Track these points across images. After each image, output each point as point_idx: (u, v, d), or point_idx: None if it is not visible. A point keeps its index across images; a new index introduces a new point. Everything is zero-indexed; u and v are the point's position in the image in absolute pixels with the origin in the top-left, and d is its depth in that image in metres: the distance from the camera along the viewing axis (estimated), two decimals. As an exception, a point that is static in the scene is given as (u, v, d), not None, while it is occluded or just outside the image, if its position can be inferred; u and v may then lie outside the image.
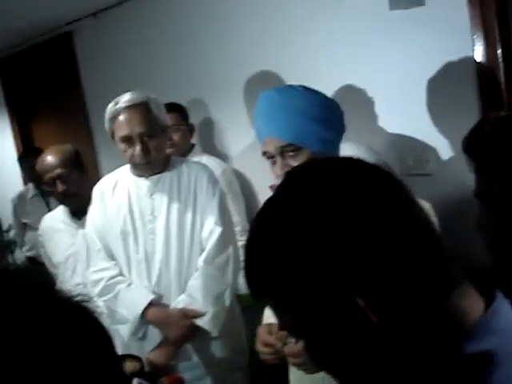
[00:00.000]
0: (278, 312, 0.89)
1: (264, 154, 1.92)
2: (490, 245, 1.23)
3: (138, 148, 2.44)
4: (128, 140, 2.45)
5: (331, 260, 0.79)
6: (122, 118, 2.44)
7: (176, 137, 3.36)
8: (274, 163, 1.91)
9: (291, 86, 1.98)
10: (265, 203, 0.90)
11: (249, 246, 0.88)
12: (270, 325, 1.93)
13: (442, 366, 0.80)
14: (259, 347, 1.89)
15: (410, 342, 0.81)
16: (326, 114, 1.90)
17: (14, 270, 0.90)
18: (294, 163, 1.84)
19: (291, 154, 1.86)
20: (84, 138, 4.61)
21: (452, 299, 0.82)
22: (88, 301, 0.80)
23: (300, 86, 1.96)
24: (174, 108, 3.39)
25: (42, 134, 5.29)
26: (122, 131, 2.45)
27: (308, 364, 1.78)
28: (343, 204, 0.80)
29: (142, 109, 2.47)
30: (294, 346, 1.80)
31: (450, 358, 0.80)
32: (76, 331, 0.74)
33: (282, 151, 1.86)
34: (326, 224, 0.79)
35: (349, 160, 0.89)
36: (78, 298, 0.80)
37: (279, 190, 0.89)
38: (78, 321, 0.77)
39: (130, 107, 2.45)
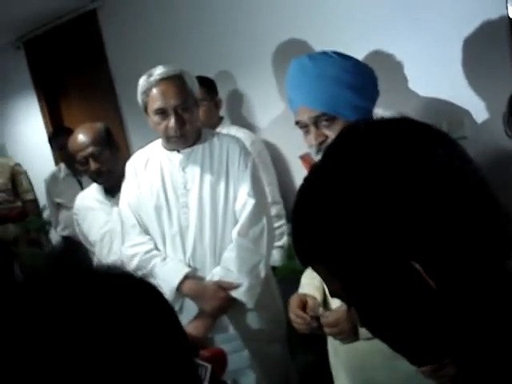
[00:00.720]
0: (329, 278, 0.87)
1: (297, 123, 1.89)
2: None
3: (172, 120, 2.44)
4: (162, 112, 2.44)
5: (386, 223, 0.76)
6: (156, 90, 2.44)
7: (200, 111, 3.27)
8: (307, 133, 1.87)
9: (324, 53, 1.92)
10: (312, 168, 0.87)
11: (298, 210, 0.86)
12: (301, 295, 1.93)
13: (504, 331, 0.78)
14: (291, 316, 1.90)
15: (470, 305, 0.79)
16: (361, 80, 1.85)
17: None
18: (329, 133, 1.81)
19: (325, 123, 1.82)
20: (113, 115, 4.62)
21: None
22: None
23: (333, 52, 1.91)
24: (199, 82, 3.36)
25: (70, 113, 5.32)
26: (156, 103, 2.44)
27: (344, 333, 1.78)
28: (397, 165, 0.77)
29: (176, 81, 2.46)
30: (329, 315, 1.80)
31: None
32: (146, 305, 0.79)
33: (316, 121, 1.82)
34: (380, 186, 0.76)
35: (400, 120, 0.86)
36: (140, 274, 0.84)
37: (328, 153, 0.86)
38: (148, 295, 0.81)
39: (165, 79, 2.44)
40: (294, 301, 1.92)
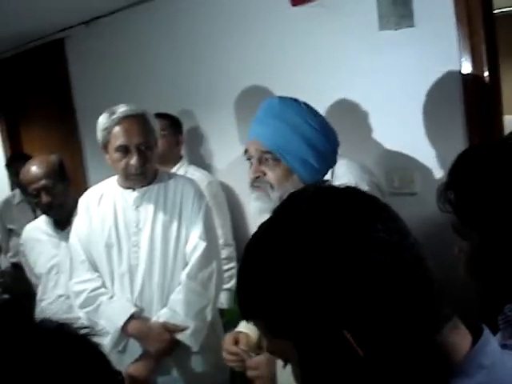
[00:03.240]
0: (266, 335, 0.90)
1: (245, 152, 1.95)
2: (467, 269, 1.24)
3: (135, 158, 2.45)
4: (125, 150, 2.45)
5: (321, 293, 0.79)
6: (120, 127, 2.45)
7: (161, 144, 2.93)
8: (251, 165, 1.93)
9: (296, 100, 1.97)
10: (260, 226, 0.90)
11: (243, 269, 0.89)
12: (237, 333, 1.94)
13: None
14: (224, 354, 1.90)
15: (397, 376, 0.82)
16: (320, 141, 1.89)
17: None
18: (268, 172, 1.86)
19: (269, 162, 1.86)
20: (73, 146, 4.61)
21: (441, 335, 0.83)
22: (93, 334, 0.87)
23: (304, 103, 1.96)
24: (164, 116, 3.40)
25: (30, 139, 5.27)
26: (119, 140, 2.45)
27: (262, 379, 1.77)
28: (336, 237, 0.80)
29: (140, 120, 2.49)
30: (253, 358, 1.80)
31: None
32: (81, 366, 0.81)
33: (261, 156, 1.87)
34: (318, 256, 0.80)
35: (347, 191, 0.89)
36: (84, 331, 0.86)
37: (275, 213, 0.89)
38: (83, 355, 0.82)
39: (129, 117, 2.47)
40: (227, 338, 1.94)
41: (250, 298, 0.88)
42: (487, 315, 1.36)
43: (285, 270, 0.81)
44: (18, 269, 4.35)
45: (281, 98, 1.96)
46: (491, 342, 0.85)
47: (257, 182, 1.88)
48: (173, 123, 3.51)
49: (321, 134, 1.90)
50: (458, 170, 1.19)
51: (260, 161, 1.87)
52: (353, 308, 0.79)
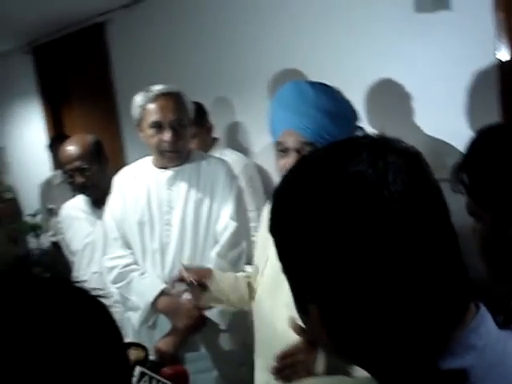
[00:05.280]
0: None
1: (278, 144, 1.89)
2: (481, 252, 1.23)
3: (168, 134, 2.48)
4: (158, 126, 2.49)
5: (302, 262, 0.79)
6: (154, 104, 2.50)
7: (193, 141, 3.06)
8: (284, 157, 1.88)
9: (324, 84, 1.93)
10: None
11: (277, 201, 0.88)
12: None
13: (417, 381, 0.78)
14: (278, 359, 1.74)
15: (385, 353, 0.79)
16: (348, 118, 1.90)
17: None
18: None
19: (308, 152, 1.84)
20: (112, 127, 4.69)
21: None
22: (103, 296, 0.89)
23: (331, 87, 1.93)
24: None
25: (72, 121, 5.38)
26: (153, 116, 2.49)
27: (305, 362, 1.68)
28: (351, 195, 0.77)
29: (174, 97, 2.53)
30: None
31: (426, 372, 0.78)
32: (87, 322, 0.83)
33: (301, 148, 1.84)
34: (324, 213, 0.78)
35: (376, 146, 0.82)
36: (94, 292, 0.89)
37: (287, 174, 0.88)
38: (90, 312, 0.85)
39: (165, 95, 2.51)
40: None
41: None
42: (499, 299, 1.34)
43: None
44: (58, 248, 4.47)
45: (309, 82, 1.93)
46: (486, 321, 0.81)
47: None
48: (198, 115, 3.21)
49: (349, 113, 1.90)
50: (472, 152, 1.18)
51: (299, 152, 1.83)
52: (323, 281, 0.78)
